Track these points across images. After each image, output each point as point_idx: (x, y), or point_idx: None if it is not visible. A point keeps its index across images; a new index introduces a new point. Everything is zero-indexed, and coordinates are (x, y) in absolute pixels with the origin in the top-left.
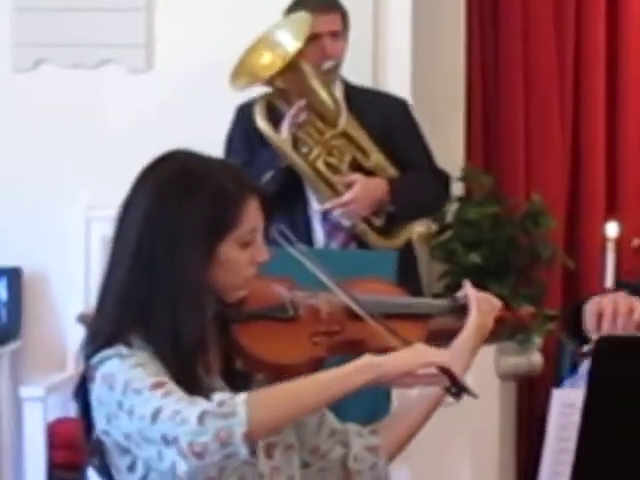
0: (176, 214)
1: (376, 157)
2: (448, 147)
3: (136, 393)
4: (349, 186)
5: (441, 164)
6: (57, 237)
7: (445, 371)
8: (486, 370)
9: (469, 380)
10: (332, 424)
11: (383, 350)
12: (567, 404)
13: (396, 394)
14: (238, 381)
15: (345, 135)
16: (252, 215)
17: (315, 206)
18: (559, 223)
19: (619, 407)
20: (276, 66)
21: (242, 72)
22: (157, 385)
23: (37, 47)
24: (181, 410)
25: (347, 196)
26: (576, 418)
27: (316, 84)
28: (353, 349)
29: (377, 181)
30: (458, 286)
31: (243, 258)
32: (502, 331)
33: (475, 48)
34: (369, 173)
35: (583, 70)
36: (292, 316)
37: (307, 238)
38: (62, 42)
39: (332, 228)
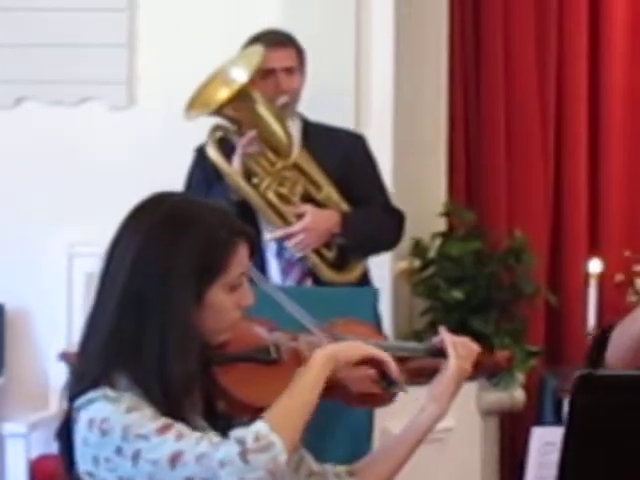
0: (167, 256)
1: (327, 191)
2: (431, 183)
3: (142, 438)
4: (300, 217)
5: (424, 200)
6: (39, 273)
7: (382, 364)
8: (468, 406)
9: (450, 415)
10: (311, 465)
11: (364, 394)
12: (547, 442)
13: (377, 434)
14: (220, 422)
15: (297, 167)
16: (241, 259)
17: (266, 236)
18: (541, 259)
19: (598, 443)
20: (226, 96)
21: (195, 104)
22: (165, 428)
23: (18, 84)
24: (207, 452)
25: (297, 226)
26: (555, 456)
27: (268, 115)
28: (334, 392)
29: (328, 212)
30: (441, 323)
31: (229, 302)
32: (479, 374)
33: (458, 86)
34: (321, 206)
35: (566, 105)
36: (275, 359)
37: (261, 274)
38: (43, 79)
39: (287, 264)
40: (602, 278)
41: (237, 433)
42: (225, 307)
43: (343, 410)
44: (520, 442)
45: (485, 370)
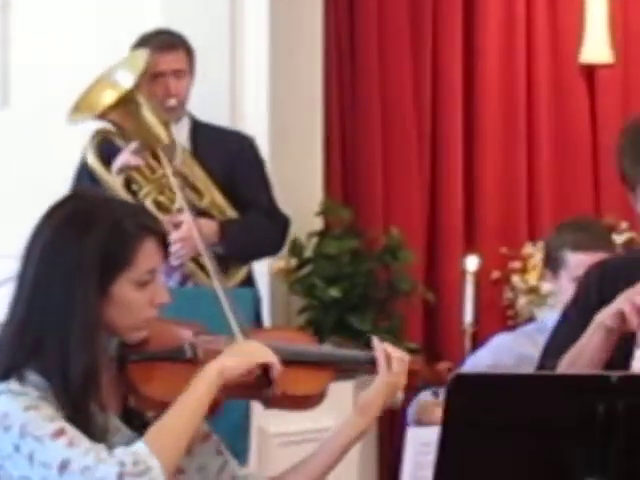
0: (72, 250)
1: (211, 198)
2: (307, 181)
3: (36, 440)
4: (177, 226)
5: (300, 198)
6: None
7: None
8: (344, 405)
9: (326, 414)
10: (234, 470)
11: (282, 396)
12: (422, 443)
13: (255, 433)
14: (136, 421)
15: (179, 174)
16: (149, 255)
17: None
18: (418, 256)
19: (473, 443)
20: (110, 100)
21: (79, 108)
22: (59, 433)
23: None
24: (91, 467)
25: (173, 236)
26: (431, 457)
27: (153, 121)
28: (251, 392)
29: (206, 222)
30: (318, 321)
31: (141, 299)
32: (416, 383)
33: (333, 84)
34: (202, 214)
35: (441, 102)
36: (190, 358)
37: None
38: None
39: (169, 267)
40: (478, 275)
41: (119, 453)
42: (136, 304)
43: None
44: (399, 441)
45: (425, 382)
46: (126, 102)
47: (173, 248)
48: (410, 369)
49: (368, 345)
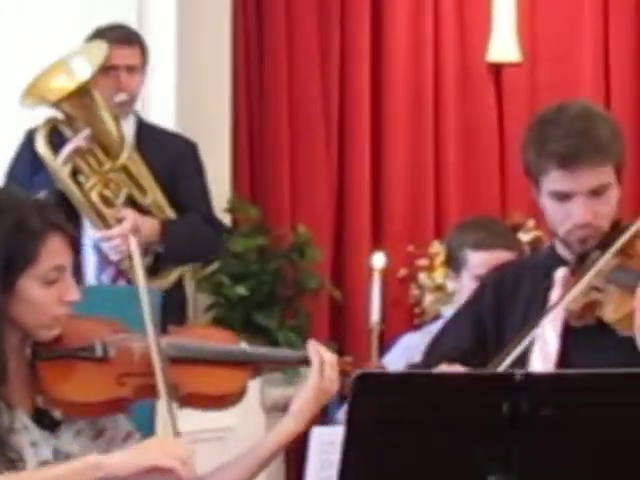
0: None
1: (154, 196)
2: (215, 178)
3: None
4: (120, 221)
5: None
6: None
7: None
8: (250, 402)
9: (232, 412)
10: None
11: (196, 395)
12: (327, 442)
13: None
14: (45, 420)
15: (125, 170)
16: (53, 252)
17: (90, 233)
18: (325, 254)
19: (377, 442)
20: (65, 91)
21: (32, 92)
22: None
23: None
24: None
25: (115, 230)
26: (336, 456)
27: (104, 114)
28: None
29: (148, 220)
30: (225, 319)
31: (47, 296)
32: (346, 384)
33: (241, 81)
34: (145, 211)
35: (348, 102)
36: (101, 357)
37: (77, 265)
38: None
39: (104, 260)
40: (385, 273)
41: None
42: (42, 301)
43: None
44: (307, 440)
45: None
46: (81, 93)
47: (114, 243)
48: (341, 370)
49: (276, 343)
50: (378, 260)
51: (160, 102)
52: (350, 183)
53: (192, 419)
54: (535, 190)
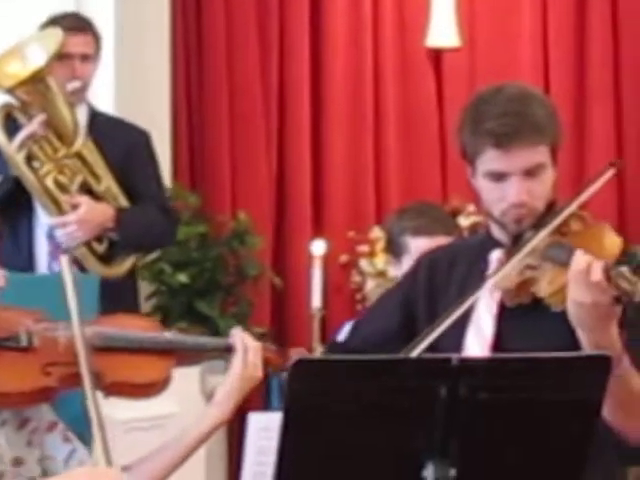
0: None
1: (108, 184)
2: None
3: None
4: (75, 207)
5: None
6: None
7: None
8: (190, 390)
9: (171, 400)
10: (82, 457)
11: (121, 384)
12: (263, 428)
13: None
14: None
15: (79, 157)
16: None
17: (43, 220)
18: (266, 241)
19: (314, 429)
20: (19, 77)
21: None
22: None
23: None
24: None
25: (70, 217)
26: (274, 442)
27: (59, 101)
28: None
29: (104, 207)
30: (167, 307)
31: None
32: (268, 371)
33: (180, 69)
34: (99, 198)
35: (288, 88)
36: (26, 346)
37: (29, 253)
38: None
39: (55, 248)
40: (326, 259)
41: None
42: None
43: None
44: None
45: (276, 369)
46: (35, 80)
47: (69, 229)
48: (265, 358)
49: (217, 331)
50: (319, 247)
51: (100, 91)
52: (290, 170)
53: (132, 407)
54: (471, 171)
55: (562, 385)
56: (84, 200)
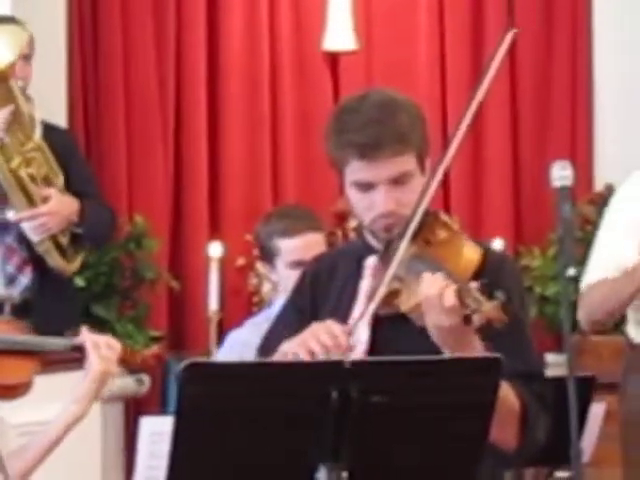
0: None
1: (62, 178)
2: None
3: None
4: (45, 200)
5: None
6: None
7: None
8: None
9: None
10: None
11: None
12: (155, 432)
13: None
14: None
15: (41, 150)
16: None
17: (9, 215)
18: (163, 244)
19: (208, 431)
20: None
21: None
22: None
23: None
24: None
25: (42, 209)
26: (166, 446)
27: (20, 97)
28: None
29: (71, 200)
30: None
31: None
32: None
33: (76, 69)
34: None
35: (184, 89)
36: None
37: None
38: None
39: (7, 250)
40: (224, 262)
41: None
42: None
43: None
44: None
45: (133, 369)
46: (1, 76)
47: (42, 220)
48: (122, 358)
49: (115, 335)
50: (215, 249)
51: None
52: (187, 172)
53: (25, 411)
54: (341, 180)
55: (454, 387)
56: (53, 192)
